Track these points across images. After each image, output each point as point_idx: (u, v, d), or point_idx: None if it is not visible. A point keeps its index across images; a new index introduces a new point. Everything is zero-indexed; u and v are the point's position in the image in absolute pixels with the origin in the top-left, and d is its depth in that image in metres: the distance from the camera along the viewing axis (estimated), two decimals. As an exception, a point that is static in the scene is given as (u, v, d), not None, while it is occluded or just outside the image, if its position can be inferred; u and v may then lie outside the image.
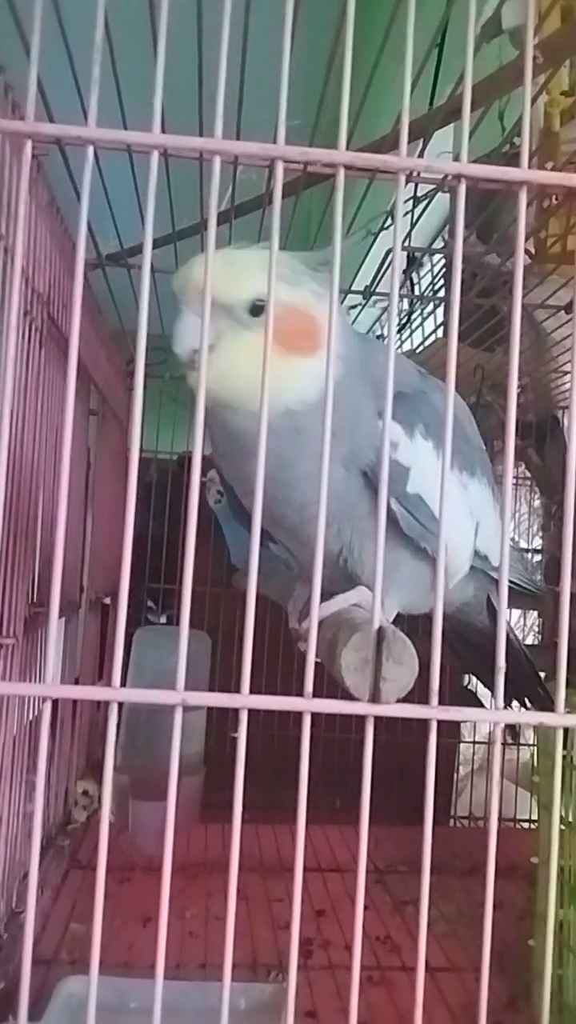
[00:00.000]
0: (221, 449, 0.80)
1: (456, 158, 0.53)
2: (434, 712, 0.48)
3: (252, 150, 0.50)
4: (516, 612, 1.71)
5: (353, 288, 1.52)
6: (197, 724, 1.56)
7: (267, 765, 1.06)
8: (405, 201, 1.25)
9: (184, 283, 0.69)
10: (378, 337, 1.98)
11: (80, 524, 1.41)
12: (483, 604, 1.03)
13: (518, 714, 0.50)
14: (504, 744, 1.89)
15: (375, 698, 0.49)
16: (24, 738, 1.00)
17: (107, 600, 1.72)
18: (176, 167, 0.98)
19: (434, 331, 1.82)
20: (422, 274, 1.73)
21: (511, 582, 0.97)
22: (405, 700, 0.51)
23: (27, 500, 0.95)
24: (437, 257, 1.65)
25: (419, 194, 1.27)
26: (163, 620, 2.48)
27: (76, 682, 1.41)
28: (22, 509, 0.93)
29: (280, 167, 0.50)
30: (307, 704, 0.47)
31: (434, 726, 0.48)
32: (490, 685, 1.08)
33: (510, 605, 1.09)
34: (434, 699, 0.48)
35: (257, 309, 0.69)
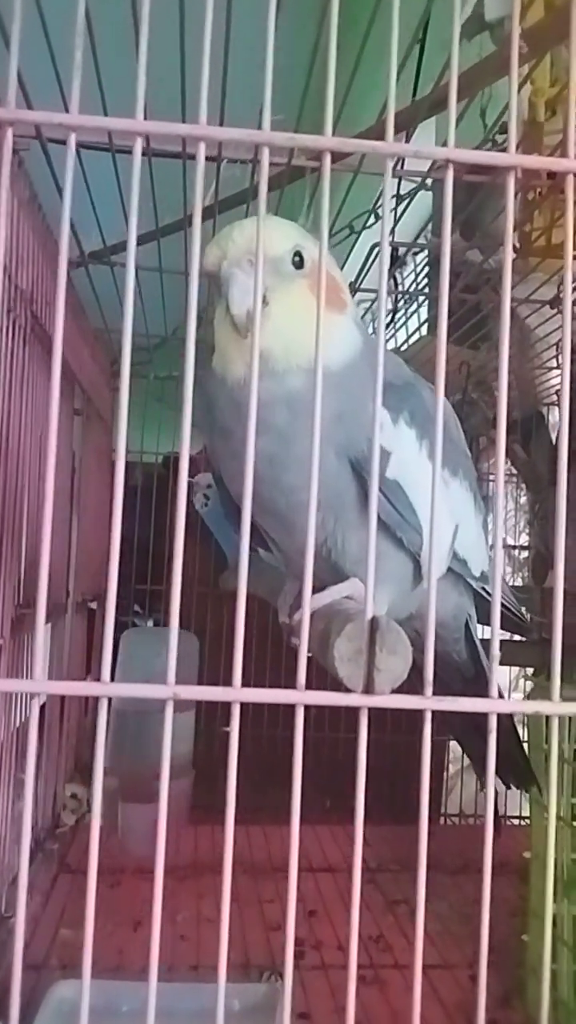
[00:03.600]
0: (225, 428, 0.78)
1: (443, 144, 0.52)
2: (428, 702, 0.47)
3: (238, 136, 0.49)
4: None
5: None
6: (186, 725, 1.55)
7: (257, 765, 1.06)
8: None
9: (227, 247, 0.69)
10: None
11: (65, 526, 1.40)
12: (461, 629, 1.00)
13: (514, 703, 0.49)
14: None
15: (368, 689, 0.48)
16: (12, 742, 0.99)
17: (93, 604, 1.71)
18: (159, 165, 0.98)
19: (418, 328, 1.81)
20: (406, 272, 1.73)
21: (486, 591, 0.95)
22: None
23: (12, 501, 0.94)
24: (420, 255, 1.65)
25: (402, 191, 1.27)
26: (149, 624, 2.47)
27: (63, 685, 1.40)
28: (7, 510, 0.92)
29: (266, 153, 0.49)
30: (300, 696, 0.47)
31: (428, 716, 0.48)
32: (471, 755, 1.05)
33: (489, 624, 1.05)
34: (428, 689, 0.48)
35: (297, 262, 0.71)
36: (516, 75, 0.49)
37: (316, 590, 0.73)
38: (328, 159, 0.49)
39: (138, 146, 0.49)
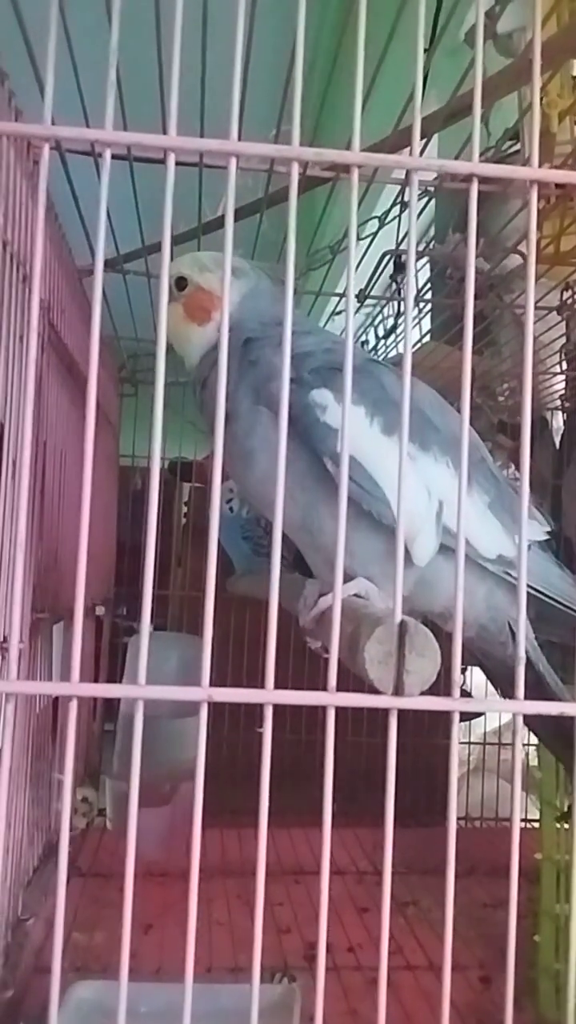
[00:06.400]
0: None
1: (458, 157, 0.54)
2: (457, 704, 0.48)
3: (266, 151, 0.51)
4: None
5: (342, 291, 1.53)
6: (195, 729, 1.55)
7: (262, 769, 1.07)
8: (392, 206, 1.28)
9: None
10: (363, 343, 1.99)
11: (77, 531, 1.41)
12: (506, 633, 0.95)
13: (538, 704, 0.50)
14: (501, 744, 1.91)
15: (398, 691, 0.49)
16: (25, 742, 1.00)
17: (99, 610, 1.71)
18: (176, 173, 0.99)
19: (421, 337, 1.82)
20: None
21: (535, 589, 0.91)
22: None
23: (29, 507, 0.95)
24: (422, 261, 1.66)
25: (406, 198, 1.28)
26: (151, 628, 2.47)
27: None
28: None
29: (295, 167, 0.50)
30: (331, 698, 0.48)
31: (456, 718, 0.49)
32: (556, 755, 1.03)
33: (550, 631, 0.98)
34: (455, 691, 0.49)
35: (181, 284, 0.92)
36: (538, 90, 0.50)
37: (330, 587, 0.75)
38: (356, 173, 0.50)
39: (171, 161, 0.50)
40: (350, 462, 0.80)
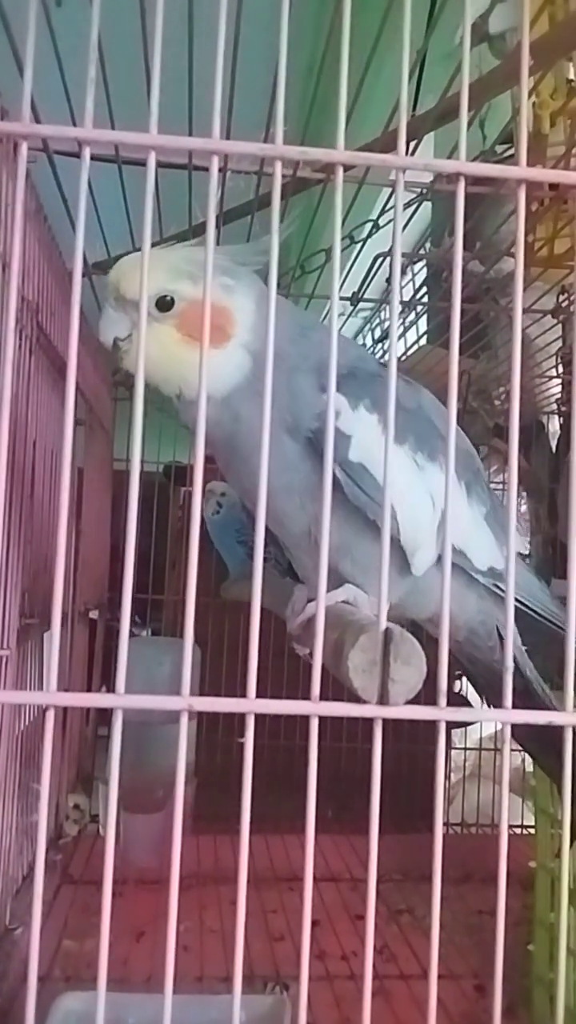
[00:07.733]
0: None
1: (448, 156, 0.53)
2: (443, 713, 0.47)
3: (250, 150, 0.50)
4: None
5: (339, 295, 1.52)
6: (190, 735, 1.54)
7: (258, 775, 1.05)
8: (388, 209, 1.27)
9: (105, 283, 0.76)
10: (361, 346, 1.98)
11: (69, 535, 1.40)
12: (494, 638, 0.95)
13: (526, 713, 0.49)
14: (497, 749, 1.90)
15: (383, 700, 0.48)
16: (15, 750, 0.99)
17: (93, 614, 1.71)
18: (164, 175, 0.99)
19: (417, 340, 1.82)
20: (404, 282, 1.73)
21: (520, 601, 0.91)
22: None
23: (18, 511, 0.94)
24: (419, 265, 1.65)
25: (403, 202, 1.27)
26: (146, 633, 2.47)
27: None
28: (14, 520, 0.92)
29: (278, 166, 0.49)
30: (314, 707, 0.47)
31: (443, 727, 0.48)
32: (544, 768, 1.02)
33: (532, 641, 0.96)
34: (442, 700, 0.48)
35: (164, 304, 0.75)
36: (527, 89, 0.50)
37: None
38: (340, 172, 0.49)
39: (151, 160, 0.49)
40: (360, 470, 0.78)
